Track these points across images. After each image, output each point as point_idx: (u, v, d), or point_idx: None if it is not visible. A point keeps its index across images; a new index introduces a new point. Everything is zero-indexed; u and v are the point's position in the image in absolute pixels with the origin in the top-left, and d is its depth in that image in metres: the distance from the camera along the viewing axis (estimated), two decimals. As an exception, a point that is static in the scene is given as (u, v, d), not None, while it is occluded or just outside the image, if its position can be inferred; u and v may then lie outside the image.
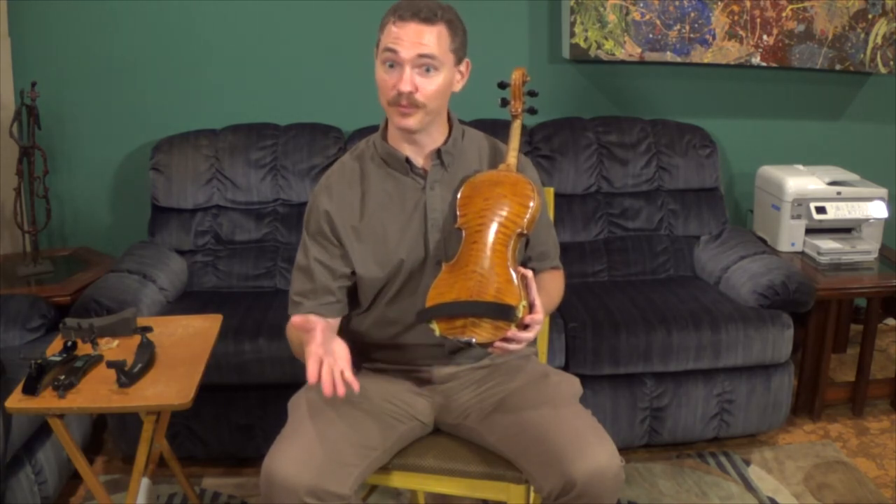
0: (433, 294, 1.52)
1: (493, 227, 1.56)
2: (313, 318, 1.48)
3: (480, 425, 1.66)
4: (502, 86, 1.80)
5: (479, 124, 3.16)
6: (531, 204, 1.58)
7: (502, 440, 1.61)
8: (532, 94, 1.80)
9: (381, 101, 1.60)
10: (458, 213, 1.60)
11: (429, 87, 1.55)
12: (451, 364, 1.72)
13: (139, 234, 2.93)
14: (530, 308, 1.49)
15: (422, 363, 1.71)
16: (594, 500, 1.46)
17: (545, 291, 1.64)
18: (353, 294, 1.72)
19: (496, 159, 1.71)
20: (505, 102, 1.79)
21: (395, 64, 1.54)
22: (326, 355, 1.40)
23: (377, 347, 1.72)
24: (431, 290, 1.53)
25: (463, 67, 1.64)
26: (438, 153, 1.65)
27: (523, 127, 2.97)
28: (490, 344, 1.48)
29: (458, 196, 1.61)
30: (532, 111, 1.79)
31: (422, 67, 1.54)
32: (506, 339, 1.47)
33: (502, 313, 1.47)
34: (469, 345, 1.48)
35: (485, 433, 1.64)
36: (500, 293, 1.49)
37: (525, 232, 1.58)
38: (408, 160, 1.64)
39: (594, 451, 1.48)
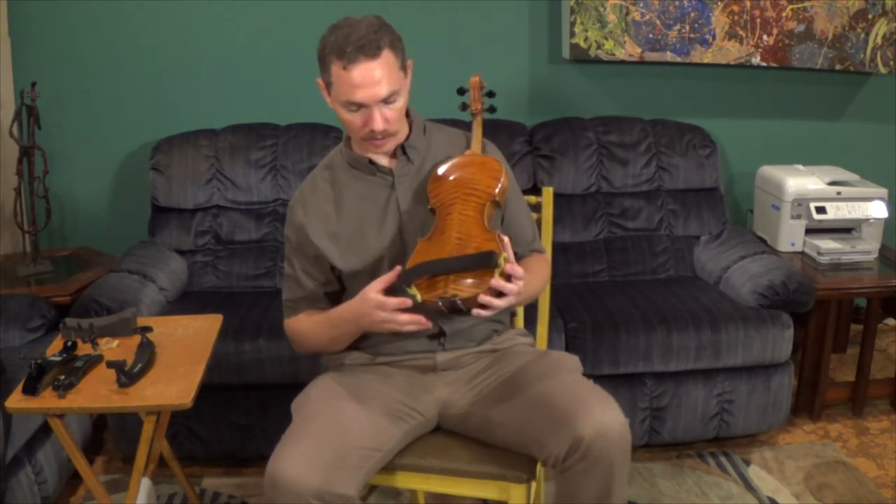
0: (410, 263, 1.54)
1: (466, 199, 1.62)
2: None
3: (485, 409, 1.66)
4: (461, 91, 1.89)
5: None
6: (500, 176, 1.65)
7: (508, 417, 1.62)
8: (491, 94, 1.89)
9: (351, 135, 1.69)
10: (429, 196, 1.66)
11: (395, 113, 1.62)
12: (452, 349, 1.73)
13: (139, 234, 2.93)
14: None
15: (423, 350, 1.73)
16: (602, 458, 1.47)
17: (528, 269, 1.66)
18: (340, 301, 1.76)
19: (462, 145, 1.77)
20: (465, 106, 1.89)
21: (359, 108, 1.60)
22: (390, 316, 1.51)
23: (378, 341, 1.74)
24: (409, 261, 1.54)
25: (408, 71, 1.67)
26: (403, 149, 1.71)
27: (523, 126, 3.00)
28: (475, 300, 1.46)
29: (428, 181, 1.68)
30: (492, 109, 1.88)
31: (385, 101, 1.60)
32: (491, 293, 1.47)
33: (484, 260, 1.48)
34: (454, 306, 1.46)
35: (491, 415, 1.65)
36: (480, 248, 1.51)
37: (497, 200, 1.63)
38: (371, 161, 1.70)
39: (599, 408, 1.51)
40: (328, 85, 1.62)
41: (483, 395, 1.68)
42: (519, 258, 1.73)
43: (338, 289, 1.76)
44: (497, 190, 1.63)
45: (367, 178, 1.72)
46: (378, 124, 1.59)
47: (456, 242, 1.54)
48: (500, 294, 1.48)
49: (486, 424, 1.67)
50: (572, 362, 1.73)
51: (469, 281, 1.47)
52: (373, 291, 1.54)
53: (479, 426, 1.69)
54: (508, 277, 1.49)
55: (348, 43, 1.54)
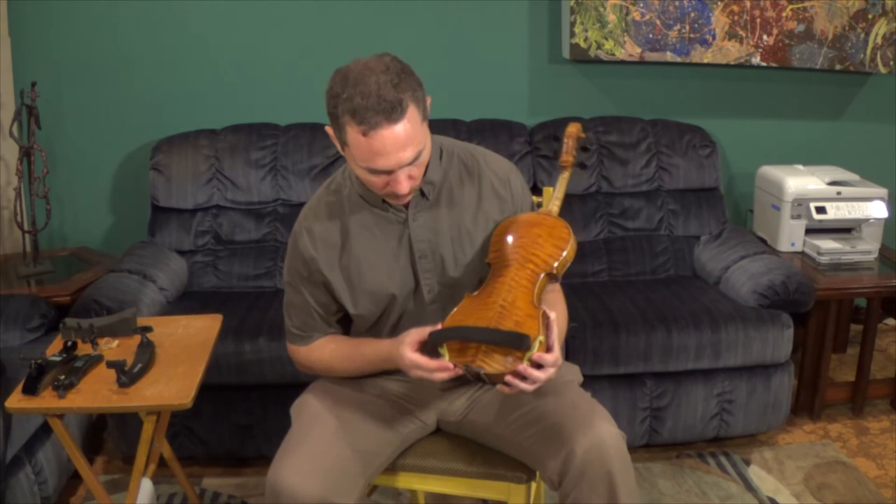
0: (450, 320, 1.49)
1: (523, 264, 1.55)
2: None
3: (483, 417, 1.66)
4: (556, 139, 1.81)
5: (480, 124, 3.16)
6: (566, 247, 1.58)
7: (505, 428, 1.61)
8: (585, 149, 1.81)
9: (371, 189, 1.54)
10: (490, 248, 1.59)
11: (420, 169, 1.50)
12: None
13: (139, 234, 2.93)
14: (547, 349, 1.44)
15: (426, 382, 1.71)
16: (600, 471, 1.44)
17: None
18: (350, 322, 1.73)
19: (473, 167, 1.66)
20: (556, 153, 1.80)
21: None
22: (427, 375, 1.47)
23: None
24: (450, 316, 1.50)
25: (428, 111, 1.49)
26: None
27: (523, 126, 3.00)
28: (500, 377, 1.43)
29: (493, 233, 1.60)
30: (582, 166, 1.81)
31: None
32: (517, 375, 1.42)
33: (516, 342, 1.43)
34: (478, 376, 1.45)
35: (489, 425, 1.65)
36: (519, 326, 1.45)
37: (555, 273, 1.57)
38: (384, 200, 1.59)
39: (592, 422, 1.48)
40: (342, 143, 1.46)
41: (481, 404, 1.68)
42: None
43: (346, 313, 1.69)
44: (557, 263, 1.56)
45: (378, 213, 1.60)
46: (403, 188, 1.46)
47: (498, 310, 1.49)
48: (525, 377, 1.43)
49: (483, 434, 1.67)
50: (571, 373, 1.71)
51: (498, 357, 1.43)
52: (409, 350, 1.46)
53: (476, 434, 1.69)
54: (539, 366, 1.42)
55: (367, 107, 1.36)
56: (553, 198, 1.69)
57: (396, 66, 1.41)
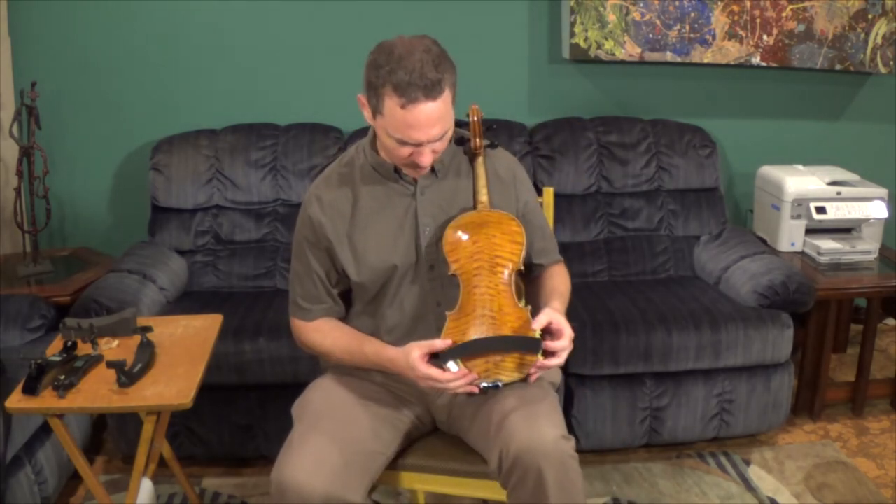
0: (446, 338, 1.54)
1: (492, 269, 1.58)
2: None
3: (461, 415, 1.68)
4: (459, 124, 1.69)
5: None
6: (522, 240, 1.61)
7: (471, 424, 1.63)
8: (490, 127, 1.73)
9: (390, 160, 1.62)
10: (448, 259, 1.60)
11: (443, 144, 1.57)
12: None
13: (139, 234, 2.93)
14: (555, 334, 1.53)
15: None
16: (530, 470, 1.45)
17: (558, 295, 1.67)
18: (350, 298, 1.75)
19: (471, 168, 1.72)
20: (463, 141, 1.71)
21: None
22: (442, 386, 1.53)
23: None
24: (443, 335, 1.55)
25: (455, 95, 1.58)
26: None
27: (523, 126, 3.00)
28: (521, 380, 1.52)
29: (443, 243, 1.61)
30: (493, 146, 1.74)
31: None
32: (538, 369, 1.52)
33: (530, 347, 1.49)
34: (496, 387, 1.51)
35: (464, 423, 1.66)
36: (516, 331, 1.51)
37: (521, 268, 1.61)
38: (396, 169, 1.65)
39: (533, 423, 1.49)
40: (375, 111, 1.52)
41: (458, 403, 1.69)
42: (539, 269, 1.76)
43: (349, 287, 1.73)
44: (521, 258, 1.60)
45: (388, 185, 1.66)
46: (426, 161, 1.54)
47: (490, 321, 1.53)
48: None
49: (461, 429, 1.68)
50: (550, 376, 1.70)
51: (510, 365, 1.51)
52: (422, 364, 1.51)
53: (460, 433, 1.70)
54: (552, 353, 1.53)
55: (410, 82, 1.44)
56: (480, 186, 1.67)
57: (437, 49, 1.50)
